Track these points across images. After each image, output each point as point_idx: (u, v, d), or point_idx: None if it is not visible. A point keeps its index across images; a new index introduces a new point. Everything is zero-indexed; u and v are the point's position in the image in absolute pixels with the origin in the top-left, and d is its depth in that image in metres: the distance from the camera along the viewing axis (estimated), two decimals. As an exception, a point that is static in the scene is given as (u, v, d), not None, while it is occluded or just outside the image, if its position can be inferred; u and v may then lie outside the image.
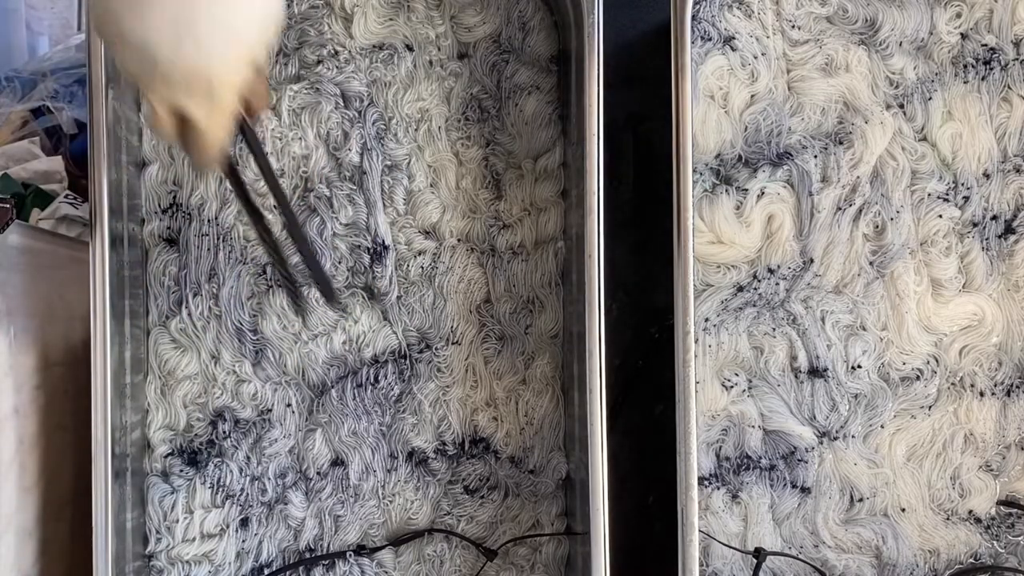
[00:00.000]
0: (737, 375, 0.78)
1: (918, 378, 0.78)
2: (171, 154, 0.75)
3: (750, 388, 0.78)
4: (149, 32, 0.46)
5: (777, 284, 0.77)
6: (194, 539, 0.75)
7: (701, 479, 0.77)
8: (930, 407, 0.78)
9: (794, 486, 0.78)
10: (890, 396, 0.78)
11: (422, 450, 0.77)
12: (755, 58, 0.77)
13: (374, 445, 0.77)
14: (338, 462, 0.77)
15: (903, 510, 0.79)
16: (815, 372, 0.78)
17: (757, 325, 0.78)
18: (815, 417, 0.78)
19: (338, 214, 0.75)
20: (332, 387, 0.76)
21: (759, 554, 0.75)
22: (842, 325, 0.78)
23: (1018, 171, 0.78)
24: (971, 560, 0.79)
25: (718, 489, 0.78)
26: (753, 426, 0.78)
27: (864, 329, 0.78)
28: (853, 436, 0.78)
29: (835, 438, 0.78)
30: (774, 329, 0.78)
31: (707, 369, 0.77)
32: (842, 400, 0.78)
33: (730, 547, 0.77)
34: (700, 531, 0.71)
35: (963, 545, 0.79)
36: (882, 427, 0.78)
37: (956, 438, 0.79)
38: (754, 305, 0.78)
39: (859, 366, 0.78)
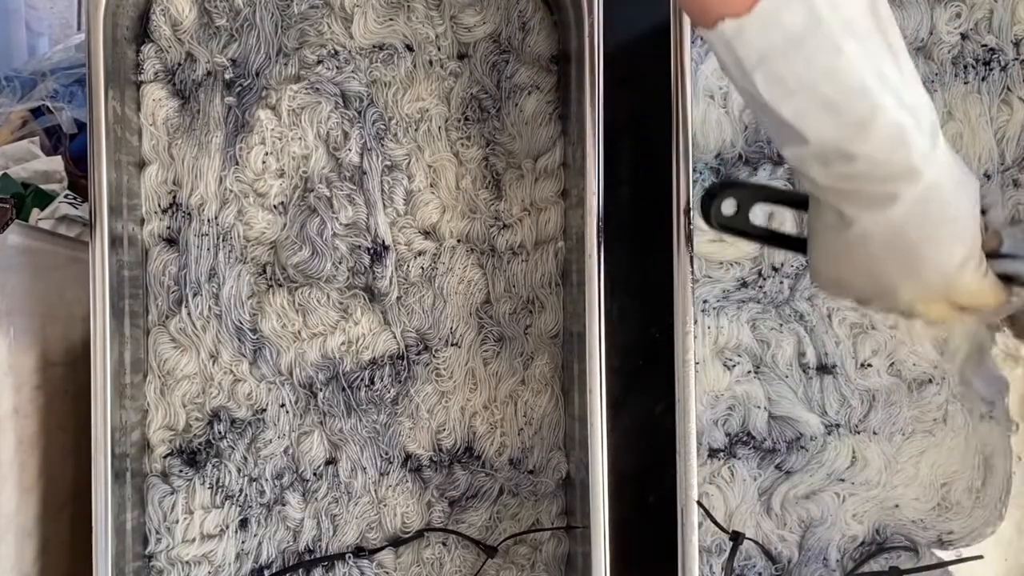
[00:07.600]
0: (740, 356, 0.77)
1: (931, 380, 0.78)
2: (171, 154, 0.75)
3: (756, 371, 0.78)
4: None
5: (781, 282, 0.77)
6: (194, 540, 0.75)
7: (712, 451, 0.77)
8: (944, 419, 0.79)
9: (792, 472, 0.78)
10: (904, 394, 0.78)
11: (418, 454, 0.77)
12: (755, 58, 0.76)
13: (370, 448, 0.76)
14: (332, 462, 0.77)
15: (896, 506, 0.79)
16: (824, 368, 0.78)
17: (764, 321, 0.78)
18: (826, 412, 0.78)
19: (338, 214, 0.75)
20: (329, 388, 0.76)
21: (736, 537, 0.74)
22: (849, 323, 0.77)
23: (1017, 184, 0.78)
24: None
25: (724, 464, 0.78)
26: (759, 407, 0.77)
27: (874, 328, 0.78)
28: (860, 430, 0.78)
29: (841, 430, 0.78)
30: (781, 325, 0.78)
31: (707, 349, 0.77)
32: (852, 395, 0.78)
33: (717, 524, 0.75)
34: (697, 503, 0.70)
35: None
36: (892, 423, 0.78)
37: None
38: (758, 302, 0.77)
39: (869, 364, 0.77)
